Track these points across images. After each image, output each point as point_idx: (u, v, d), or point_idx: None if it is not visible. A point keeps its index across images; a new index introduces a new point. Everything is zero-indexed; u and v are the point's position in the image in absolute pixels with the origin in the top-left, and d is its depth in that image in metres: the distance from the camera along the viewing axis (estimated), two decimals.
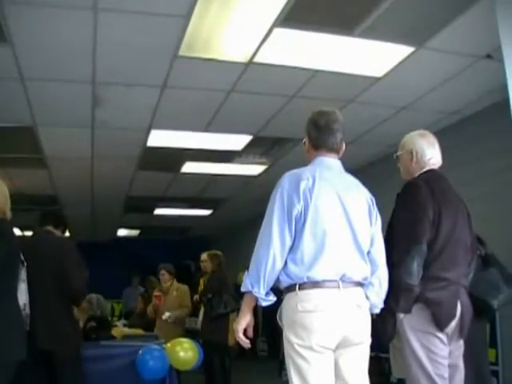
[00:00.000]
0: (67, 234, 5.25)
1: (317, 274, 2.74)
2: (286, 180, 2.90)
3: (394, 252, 3.12)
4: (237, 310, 7.55)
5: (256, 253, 2.85)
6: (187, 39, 4.71)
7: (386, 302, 3.05)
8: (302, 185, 2.83)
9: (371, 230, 2.99)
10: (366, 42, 4.78)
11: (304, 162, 3.11)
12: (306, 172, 2.91)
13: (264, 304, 2.83)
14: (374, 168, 8.02)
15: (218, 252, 7.69)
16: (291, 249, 2.81)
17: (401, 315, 3.17)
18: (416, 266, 3.10)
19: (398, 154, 3.58)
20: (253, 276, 2.81)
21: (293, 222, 2.80)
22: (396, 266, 3.09)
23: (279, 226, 2.80)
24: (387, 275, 3.02)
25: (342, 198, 2.88)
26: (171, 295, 7.71)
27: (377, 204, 3.10)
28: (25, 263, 3.47)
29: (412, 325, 3.17)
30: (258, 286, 2.79)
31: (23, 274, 3.48)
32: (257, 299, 2.83)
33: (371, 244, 2.98)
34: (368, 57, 5.10)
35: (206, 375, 7.40)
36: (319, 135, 3.06)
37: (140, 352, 5.10)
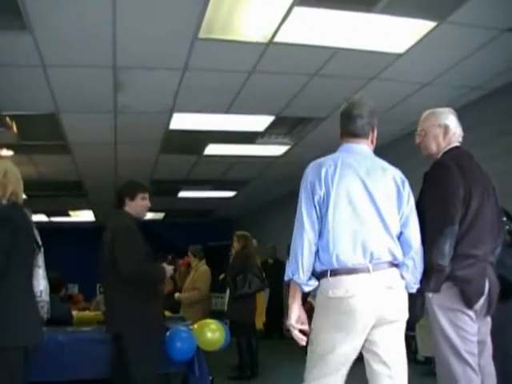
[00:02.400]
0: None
1: (345, 258, 2.81)
2: (310, 169, 3.01)
3: (426, 232, 3.08)
4: (261, 289, 7.58)
5: (292, 242, 2.95)
6: (206, 21, 4.69)
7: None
8: (323, 172, 2.92)
9: (403, 211, 2.98)
10: (386, 18, 4.72)
11: (326, 141, 3.13)
12: (328, 160, 3.00)
13: (306, 289, 2.93)
14: (396, 146, 7.95)
15: (246, 233, 7.72)
16: (320, 235, 2.90)
17: (429, 294, 3.16)
18: (448, 247, 3.09)
19: (426, 128, 3.53)
20: (292, 264, 2.91)
21: (317, 208, 2.90)
22: (428, 247, 3.06)
23: (307, 213, 2.90)
24: (422, 256, 3.01)
25: (365, 182, 2.91)
26: (190, 276, 7.83)
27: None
28: (41, 248, 3.47)
29: (441, 303, 3.17)
30: (297, 272, 2.88)
31: (39, 260, 3.45)
32: (300, 286, 2.92)
33: (404, 225, 2.97)
34: (389, 33, 5.04)
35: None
36: (342, 123, 3.15)
37: (167, 333, 5.15)
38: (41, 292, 3.43)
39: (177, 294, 7.93)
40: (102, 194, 12.33)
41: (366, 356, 2.90)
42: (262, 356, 7.86)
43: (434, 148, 3.49)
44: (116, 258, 4.25)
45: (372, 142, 3.16)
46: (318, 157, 3.09)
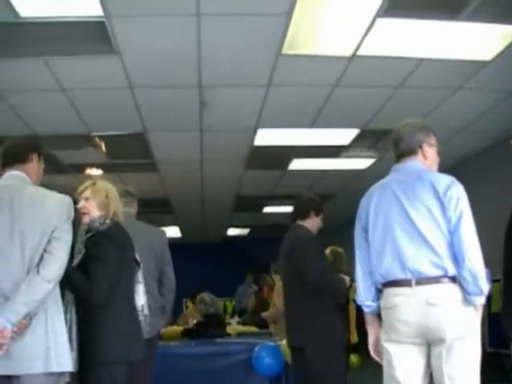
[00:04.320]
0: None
1: (387, 274, 2.95)
2: (363, 197, 3.23)
3: None
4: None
5: None
6: (289, 37, 4.71)
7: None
8: (367, 198, 3.17)
9: (450, 217, 2.86)
10: (472, 25, 4.59)
11: None
12: (374, 186, 3.22)
13: (367, 310, 3.15)
14: (487, 155, 7.71)
15: (337, 248, 7.61)
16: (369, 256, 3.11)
17: None
18: None
19: None
20: (357, 288, 3.17)
21: (363, 233, 3.15)
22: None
23: (356, 237, 3.21)
24: (480, 263, 2.83)
25: (402, 201, 2.98)
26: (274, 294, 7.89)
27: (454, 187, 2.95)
28: (141, 265, 3.56)
29: None
30: (358, 295, 3.16)
31: (140, 276, 3.55)
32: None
33: (453, 233, 2.85)
34: (475, 40, 4.90)
35: None
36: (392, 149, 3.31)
37: (256, 349, 5.16)
38: (142, 307, 3.52)
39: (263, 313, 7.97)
40: (188, 211, 12.57)
41: None
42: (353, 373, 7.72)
43: None
44: (303, 269, 4.26)
45: (425, 157, 3.16)
46: None
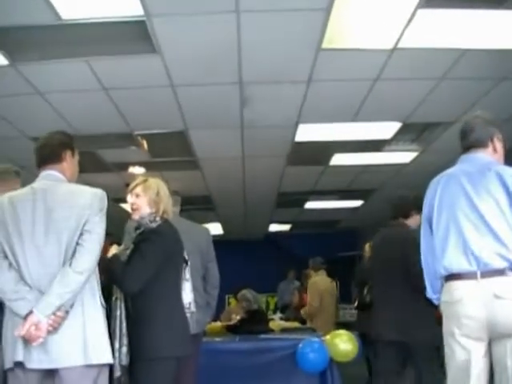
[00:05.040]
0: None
1: (450, 266, 2.91)
2: (429, 186, 3.21)
3: None
4: None
5: None
6: (329, 31, 4.68)
7: None
8: (433, 187, 3.14)
9: None
10: None
11: (455, 147, 3.36)
12: (440, 175, 3.17)
13: (437, 303, 3.12)
14: None
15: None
16: (433, 247, 3.08)
17: None
18: None
19: None
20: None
21: (428, 223, 3.13)
22: None
23: (422, 228, 3.20)
24: None
25: (468, 191, 2.95)
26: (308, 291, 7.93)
27: None
28: (188, 262, 3.59)
29: None
30: (426, 287, 3.18)
31: (187, 274, 3.58)
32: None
33: None
34: None
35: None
36: (460, 139, 3.25)
37: (300, 345, 5.15)
38: (189, 304, 3.56)
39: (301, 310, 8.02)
40: (230, 208, 12.61)
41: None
42: None
43: None
44: (414, 273, 4.12)
45: (495, 150, 3.13)
46: (447, 163, 3.20)
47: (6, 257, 2.84)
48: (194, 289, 3.72)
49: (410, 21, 4.55)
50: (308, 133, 7.37)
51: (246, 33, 4.67)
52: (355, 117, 6.81)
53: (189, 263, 3.58)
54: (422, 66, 5.47)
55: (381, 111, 6.72)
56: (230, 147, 7.99)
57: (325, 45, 4.89)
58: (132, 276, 3.20)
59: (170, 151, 8.19)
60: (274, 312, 11.42)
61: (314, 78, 5.59)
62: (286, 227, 16.10)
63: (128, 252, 3.34)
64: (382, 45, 4.98)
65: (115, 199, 7.60)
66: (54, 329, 2.74)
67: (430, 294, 3.15)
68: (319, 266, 8.34)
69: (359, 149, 8.25)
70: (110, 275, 3.27)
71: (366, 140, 7.80)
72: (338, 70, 5.45)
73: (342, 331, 5.64)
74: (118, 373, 3.17)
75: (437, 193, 3.06)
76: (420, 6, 4.33)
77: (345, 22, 4.58)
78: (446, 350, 2.94)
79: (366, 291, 6.94)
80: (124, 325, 3.23)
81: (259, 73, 5.48)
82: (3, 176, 3.46)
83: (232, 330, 6.22)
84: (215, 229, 15.58)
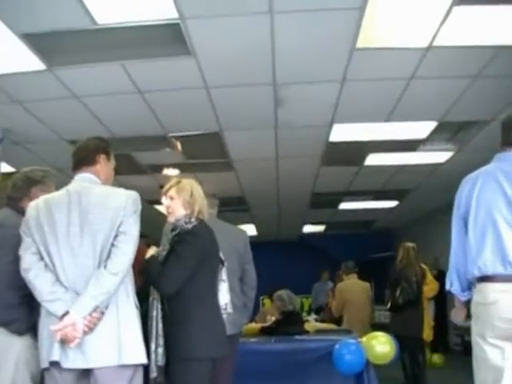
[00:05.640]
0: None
1: (485, 267, 2.85)
2: (461, 184, 3.13)
3: None
4: (411, 302, 6.96)
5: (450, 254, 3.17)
6: (363, 31, 4.66)
7: None
8: (467, 186, 3.04)
9: None
10: None
11: (491, 146, 3.31)
12: (475, 173, 3.09)
13: (463, 299, 3.10)
14: None
15: (407, 243, 7.47)
16: (466, 246, 3.01)
17: None
18: None
19: None
20: (448, 275, 3.14)
21: (463, 221, 3.05)
22: None
23: (454, 226, 3.12)
24: None
25: (506, 190, 2.88)
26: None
27: None
28: (225, 263, 3.59)
29: None
30: (452, 283, 3.11)
31: (223, 275, 3.59)
32: (457, 296, 3.13)
33: None
34: None
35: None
36: (502, 132, 3.17)
37: (336, 346, 5.13)
38: (226, 305, 3.55)
39: None
40: (264, 209, 12.62)
41: None
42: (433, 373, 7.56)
43: None
44: None
45: None
46: (483, 162, 3.11)
47: (41, 258, 2.89)
48: (231, 290, 3.72)
49: (445, 18, 4.50)
50: (342, 133, 7.34)
51: (280, 33, 4.67)
52: (390, 116, 6.77)
53: (225, 264, 3.58)
54: (458, 64, 5.41)
55: (416, 110, 6.66)
56: (264, 148, 7.99)
57: (359, 44, 4.87)
58: (168, 278, 3.22)
59: (204, 153, 8.22)
60: (309, 313, 11.38)
61: (348, 78, 5.57)
62: (320, 228, 16.06)
63: (164, 254, 3.36)
64: (417, 43, 4.93)
65: (150, 201, 7.69)
66: (89, 329, 2.77)
67: (457, 290, 3.07)
68: (350, 269, 8.35)
69: (394, 149, 8.19)
70: (147, 276, 3.30)
71: (400, 140, 7.73)
72: (373, 69, 5.42)
73: (379, 333, 5.59)
74: (153, 374, 3.19)
75: (474, 191, 2.98)
76: (455, 3, 4.28)
77: (379, 20, 4.55)
78: (476, 350, 2.88)
79: (398, 293, 6.87)
80: (160, 325, 3.25)
81: (293, 73, 5.47)
82: (44, 180, 3.51)
83: (267, 331, 6.21)
84: (249, 230, 15.58)
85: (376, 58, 5.19)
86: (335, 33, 4.71)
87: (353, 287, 8.15)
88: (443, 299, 8.88)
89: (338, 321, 8.20)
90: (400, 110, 6.52)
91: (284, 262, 16.02)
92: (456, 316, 3.22)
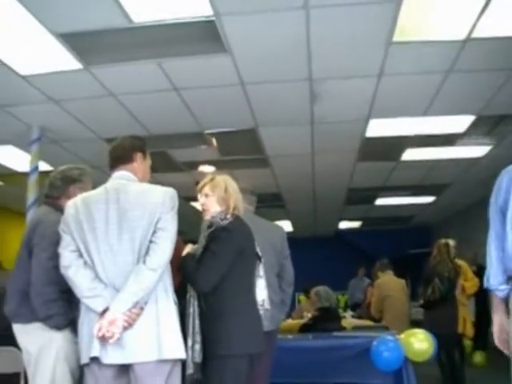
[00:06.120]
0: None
1: None
2: (499, 176, 2.98)
3: None
4: (443, 298, 6.85)
5: (487, 248, 3.00)
6: (400, 24, 4.62)
7: None
8: (506, 177, 2.91)
9: None
10: None
11: None
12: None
13: (500, 295, 2.92)
14: None
15: (440, 240, 7.36)
16: (505, 240, 2.88)
17: None
18: None
19: None
20: (486, 271, 2.96)
21: (501, 214, 2.91)
22: None
23: (492, 219, 2.96)
24: None
25: None
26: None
27: None
28: (262, 259, 3.57)
29: None
30: (489, 279, 2.94)
31: (261, 271, 3.57)
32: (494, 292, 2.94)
33: None
34: None
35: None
36: None
37: (374, 343, 5.08)
38: (263, 301, 3.53)
39: None
40: (300, 205, 12.59)
41: None
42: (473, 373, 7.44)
43: None
44: None
45: None
46: None
47: (81, 255, 2.91)
48: (269, 286, 3.70)
49: (483, 10, 4.43)
50: (379, 128, 7.28)
51: (315, 29, 4.65)
52: (427, 110, 6.68)
53: (262, 260, 3.57)
54: (496, 56, 5.32)
55: (453, 104, 6.57)
56: (299, 144, 7.97)
57: (396, 38, 4.82)
58: (203, 275, 3.21)
59: (239, 149, 8.24)
60: (345, 310, 11.32)
61: (385, 72, 5.52)
62: (356, 224, 15.97)
63: (201, 250, 3.37)
64: (455, 36, 4.87)
65: (186, 198, 7.72)
66: (129, 325, 2.79)
67: (494, 285, 2.93)
68: (385, 266, 8.28)
69: (431, 143, 8.09)
70: (184, 273, 3.31)
71: (438, 134, 7.64)
72: (410, 62, 5.36)
73: (417, 330, 5.52)
74: (190, 370, 3.19)
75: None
76: None
77: (416, 13, 4.50)
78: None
79: (430, 290, 6.78)
80: (197, 322, 3.25)
81: (329, 68, 5.44)
82: (81, 178, 3.55)
83: (305, 329, 6.19)
84: (285, 226, 15.54)
85: (413, 52, 5.13)
86: (371, 26, 4.67)
87: (390, 283, 8.08)
88: (484, 295, 8.73)
89: (374, 317, 8.14)
90: (437, 104, 6.43)
91: (320, 258, 15.96)
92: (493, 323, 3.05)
